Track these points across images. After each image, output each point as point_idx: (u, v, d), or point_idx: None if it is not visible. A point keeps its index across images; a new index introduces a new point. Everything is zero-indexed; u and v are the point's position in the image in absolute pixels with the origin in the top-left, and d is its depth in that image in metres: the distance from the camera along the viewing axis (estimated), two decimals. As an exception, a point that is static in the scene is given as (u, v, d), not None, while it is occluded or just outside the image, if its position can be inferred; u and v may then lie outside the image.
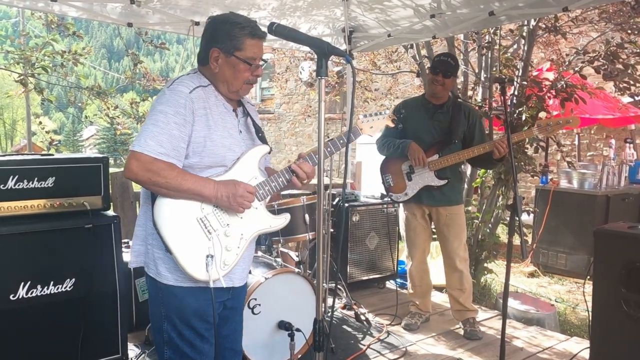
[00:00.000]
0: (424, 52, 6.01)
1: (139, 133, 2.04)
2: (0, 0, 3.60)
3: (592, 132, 9.59)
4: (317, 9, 4.65)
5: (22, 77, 5.27)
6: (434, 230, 4.28)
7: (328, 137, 2.36)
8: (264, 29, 2.07)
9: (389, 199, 4.15)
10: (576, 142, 9.33)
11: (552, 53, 7.42)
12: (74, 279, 2.99)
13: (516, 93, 5.10)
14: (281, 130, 16.94)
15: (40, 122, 6.39)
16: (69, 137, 38.70)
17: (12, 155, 3.08)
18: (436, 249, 4.92)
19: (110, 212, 3.24)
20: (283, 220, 2.30)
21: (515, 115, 4.99)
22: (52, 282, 2.92)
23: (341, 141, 2.35)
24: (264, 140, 2.32)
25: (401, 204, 4.19)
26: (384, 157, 4.14)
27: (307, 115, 13.80)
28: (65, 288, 2.96)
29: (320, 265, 2.10)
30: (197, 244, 2.06)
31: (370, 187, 6.23)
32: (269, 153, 2.33)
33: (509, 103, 4.93)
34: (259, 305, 3.26)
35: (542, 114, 4.98)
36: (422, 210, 4.08)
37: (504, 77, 4.85)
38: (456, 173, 4.06)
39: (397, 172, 4.03)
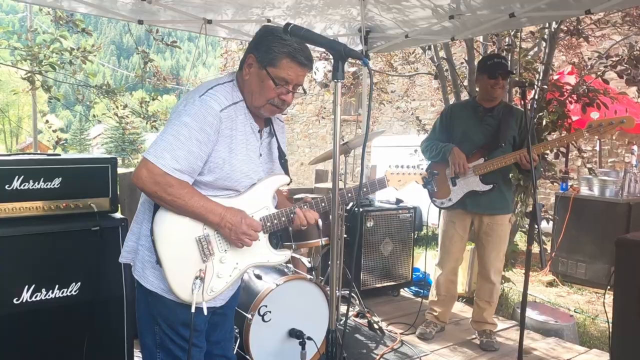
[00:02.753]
0: (442, 53, 5.88)
1: (156, 139, 1.94)
2: (10, -5, 3.56)
3: (614, 137, 9.38)
4: (332, 8, 4.56)
5: (29, 75, 5.21)
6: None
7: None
8: (280, 26, 1.94)
9: (433, 205, 3.97)
10: (597, 148, 9.12)
11: (574, 56, 7.25)
12: (79, 283, 2.90)
13: (536, 97, 4.95)
14: (294, 132, 16.84)
15: (47, 121, 6.33)
16: (76, 135, 38.75)
17: (18, 154, 3.01)
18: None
19: (118, 215, 3.16)
20: (282, 257, 2.20)
21: (535, 120, 4.84)
22: (57, 286, 2.83)
23: (364, 190, 2.26)
24: (285, 168, 2.20)
25: (442, 210, 4.05)
26: (429, 161, 4.01)
27: (322, 117, 13.69)
28: (70, 292, 2.87)
29: (334, 273, 2.00)
30: (189, 264, 1.98)
31: (385, 191, 6.11)
32: (288, 184, 2.21)
33: (529, 107, 4.77)
34: (270, 312, 3.17)
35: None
36: (465, 217, 3.92)
37: (524, 80, 4.71)
38: (505, 179, 3.90)
39: (441, 177, 3.88)
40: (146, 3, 3.70)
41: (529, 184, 4.85)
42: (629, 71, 4.76)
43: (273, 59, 1.96)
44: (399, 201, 5.15)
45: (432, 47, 5.84)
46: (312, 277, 3.57)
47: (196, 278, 1.96)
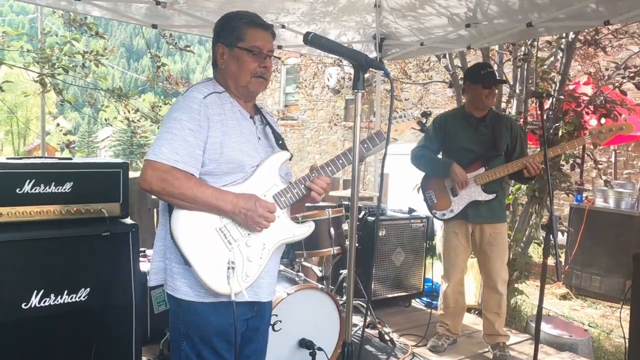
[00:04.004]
0: (457, 62, 5.83)
1: (153, 142, 1.96)
2: (24, -2, 3.56)
3: (630, 149, 9.25)
4: (347, 15, 4.53)
5: (40, 77, 5.21)
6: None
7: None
8: (298, 34, 1.96)
9: (433, 217, 3.94)
10: (612, 160, 9.00)
11: (590, 66, 7.16)
12: (89, 289, 2.87)
13: (553, 107, 4.88)
14: (304, 138, 16.81)
15: (58, 124, 6.33)
16: (84, 138, 38.86)
17: (30, 158, 2.99)
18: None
19: (129, 220, 3.13)
20: (307, 228, 2.17)
21: (551, 130, 4.77)
22: (66, 291, 2.80)
23: (365, 145, 2.22)
24: (284, 148, 2.21)
25: (441, 221, 3.99)
26: (423, 173, 3.97)
27: (334, 123, 13.66)
28: (79, 298, 2.84)
29: (351, 285, 1.94)
30: (217, 255, 1.94)
31: (397, 200, 6.06)
32: (290, 159, 2.21)
33: (545, 118, 4.71)
34: (280, 321, 3.12)
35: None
36: (466, 227, 3.86)
37: (541, 91, 4.66)
38: (501, 187, 3.90)
39: (440, 188, 3.84)
40: (160, 7, 3.68)
41: (544, 195, 4.78)
42: (647, 82, 4.69)
43: (239, 34, 2.05)
44: (411, 210, 5.08)
45: (447, 55, 5.80)
46: (323, 286, 3.52)
47: (228, 268, 1.93)
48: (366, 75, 9.62)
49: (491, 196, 3.71)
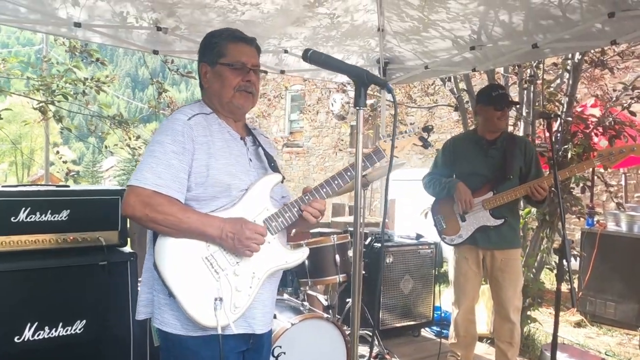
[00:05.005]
0: (462, 85, 5.78)
1: (137, 167, 1.89)
2: (23, 25, 3.55)
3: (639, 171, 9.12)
4: (351, 39, 4.50)
5: (41, 105, 5.19)
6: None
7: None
8: (301, 59, 1.89)
9: (443, 242, 3.84)
10: (622, 183, 8.87)
11: (597, 88, 7.09)
12: (85, 320, 2.78)
13: (561, 129, 4.80)
14: (310, 165, 16.76)
15: (58, 152, 6.30)
16: (88, 167, 38.76)
17: (25, 185, 2.93)
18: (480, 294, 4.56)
19: (127, 249, 3.05)
20: (300, 254, 2.06)
21: (560, 152, 4.68)
22: (61, 324, 2.71)
23: (363, 164, 2.12)
24: (276, 170, 2.11)
25: (452, 247, 3.88)
26: (433, 197, 3.89)
27: (339, 149, 13.60)
28: (75, 330, 2.75)
29: (356, 314, 1.83)
30: (203, 285, 1.84)
31: (404, 226, 5.94)
32: (282, 182, 2.11)
33: (553, 140, 4.63)
34: (284, 353, 3.01)
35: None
36: (476, 253, 3.75)
37: (549, 112, 4.58)
38: (514, 213, 3.77)
39: (449, 213, 3.75)
40: (161, 33, 3.67)
41: (555, 219, 4.66)
42: (655, 103, 4.61)
43: (219, 51, 2.00)
44: (419, 236, 4.97)
45: (452, 78, 5.75)
46: (329, 315, 3.40)
47: (215, 299, 1.83)
48: (371, 101, 9.62)
49: (499, 221, 3.61)
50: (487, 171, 3.68)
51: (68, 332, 2.73)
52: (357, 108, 1.58)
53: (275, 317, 3.18)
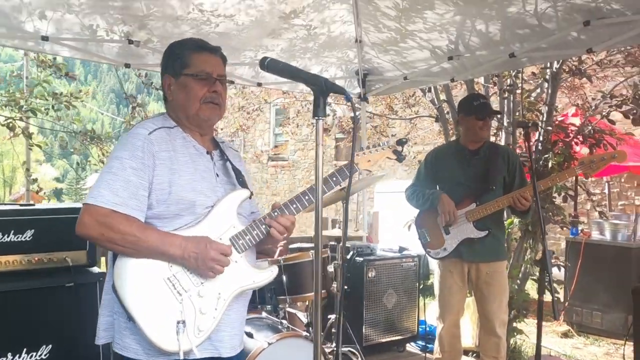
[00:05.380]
0: (442, 96, 5.76)
1: (93, 184, 1.80)
2: (-13, 39, 3.45)
3: (623, 180, 9.16)
4: (329, 51, 4.46)
5: (9, 121, 5.06)
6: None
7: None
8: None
9: (428, 256, 3.76)
10: (606, 191, 8.90)
11: (577, 98, 7.13)
12: (50, 346, 2.67)
13: (541, 139, 4.77)
14: (296, 178, 16.68)
15: (28, 170, 6.16)
16: (72, 184, 38.40)
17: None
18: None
19: (96, 269, 2.94)
20: (269, 274, 1.97)
21: (541, 162, 4.65)
22: (25, 349, 2.60)
23: (334, 179, 2.06)
24: (244, 185, 2.02)
25: (436, 260, 3.81)
26: (417, 209, 3.81)
27: (324, 162, 13.57)
28: (40, 356, 2.64)
29: (318, 328, 1.77)
30: (165, 308, 1.75)
31: (388, 239, 5.88)
32: (250, 198, 2.02)
33: (533, 150, 4.60)
34: (261, 375, 2.89)
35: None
36: (461, 267, 3.67)
37: (527, 121, 4.56)
38: (499, 224, 3.71)
39: (433, 226, 3.67)
40: (133, 46, 3.60)
41: (537, 229, 4.61)
42: (635, 111, 4.60)
43: (183, 62, 1.92)
44: (402, 249, 4.89)
45: (433, 89, 5.73)
46: (309, 334, 3.30)
47: (178, 322, 1.73)
48: (356, 114, 9.61)
49: (483, 233, 3.54)
50: (470, 182, 3.62)
51: (33, 359, 2.60)
52: (317, 118, 1.50)
53: (251, 336, 3.09)
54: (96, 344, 1.88)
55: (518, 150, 5.02)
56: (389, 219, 7.33)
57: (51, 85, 5.36)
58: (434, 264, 3.88)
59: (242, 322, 2.04)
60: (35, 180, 6.12)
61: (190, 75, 1.90)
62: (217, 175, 1.98)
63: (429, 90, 5.88)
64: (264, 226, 1.94)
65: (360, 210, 11.38)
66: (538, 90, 5.50)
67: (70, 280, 2.73)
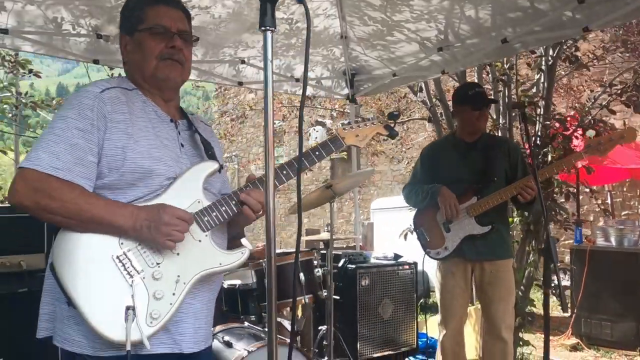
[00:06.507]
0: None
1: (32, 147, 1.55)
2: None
3: (625, 189, 8.93)
4: (313, 48, 4.29)
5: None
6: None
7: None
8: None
9: (427, 256, 3.49)
10: (608, 201, 8.66)
11: (576, 101, 6.97)
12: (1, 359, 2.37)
13: (539, 133, 4.55)
14: (292, 202, 16.41)
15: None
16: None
17: None
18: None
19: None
20: (239, 255, 1.69)
21: (540, 156, 4.42)
22: (-31, 364, 2.30)
23: (317, 153, 1.83)
24: (213, 158, 1.78)
25: (436, 261, 3.54)
26: (415, 208, 3.58)
27: (310, 169, 13.40)
28: (-12, 371, 2.33)
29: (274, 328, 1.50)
30: (111, 291, 1.49)
31: (382, 247, 5.60)
32: (220, 172, 1.76)
33: (529, 131, 4.38)
34: (241, 387, 2.60)
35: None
36: (464, 267, 3.40)
37: (521, 102, 4.33)
38: (503, 219, 3.46)
39: (432, 224, 3.41)
40: (102, 42, 3.40)
41: (540, 227, 4.35)
42: (636, 97, 4.41)
43: (138, 18, 1.72)
44: (397, 256, 4.61)
45: (424, 89, 5.52)
46: (296, 343, 3.01)
47: (127, 308, 1.48)
48: (352, 119, 9.45)
49: (486, 228, 3.28)
50: (469, 175, 3.38)
51: (-21, 374, 2.31)
52: (264, 28, 1.28)
53: (230, 345, 2.81)
54: (37, 337, 1.62)
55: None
56: (384, 228, 7.07)
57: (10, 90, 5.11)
58: (434, 277, 3.60)
59: (210, 314, 1.77)
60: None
61: (145, 30, 1.69)
62: (182, 145, 1.75)
63: (420, 90, 5.68)
64: (234, 202, 1.70)
65: (353, 221, 11.17)
66: (534, 90, 5.31)
67: (23, 286, 2.45)
